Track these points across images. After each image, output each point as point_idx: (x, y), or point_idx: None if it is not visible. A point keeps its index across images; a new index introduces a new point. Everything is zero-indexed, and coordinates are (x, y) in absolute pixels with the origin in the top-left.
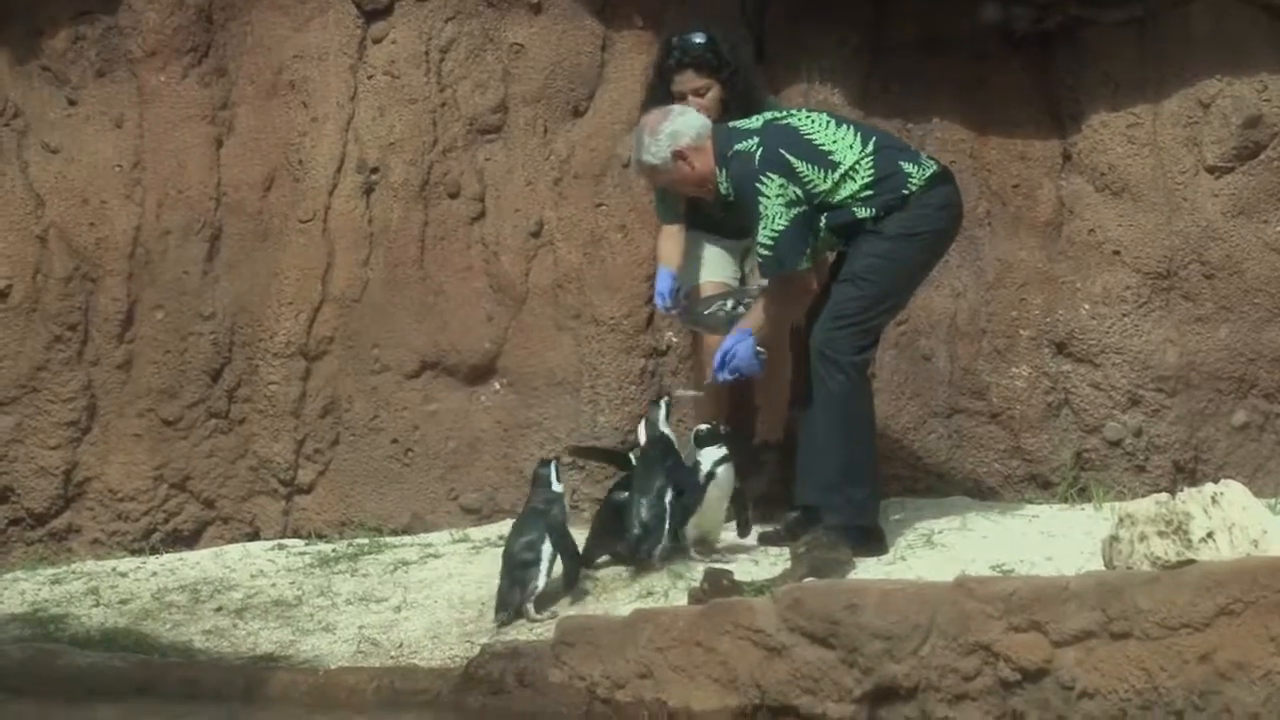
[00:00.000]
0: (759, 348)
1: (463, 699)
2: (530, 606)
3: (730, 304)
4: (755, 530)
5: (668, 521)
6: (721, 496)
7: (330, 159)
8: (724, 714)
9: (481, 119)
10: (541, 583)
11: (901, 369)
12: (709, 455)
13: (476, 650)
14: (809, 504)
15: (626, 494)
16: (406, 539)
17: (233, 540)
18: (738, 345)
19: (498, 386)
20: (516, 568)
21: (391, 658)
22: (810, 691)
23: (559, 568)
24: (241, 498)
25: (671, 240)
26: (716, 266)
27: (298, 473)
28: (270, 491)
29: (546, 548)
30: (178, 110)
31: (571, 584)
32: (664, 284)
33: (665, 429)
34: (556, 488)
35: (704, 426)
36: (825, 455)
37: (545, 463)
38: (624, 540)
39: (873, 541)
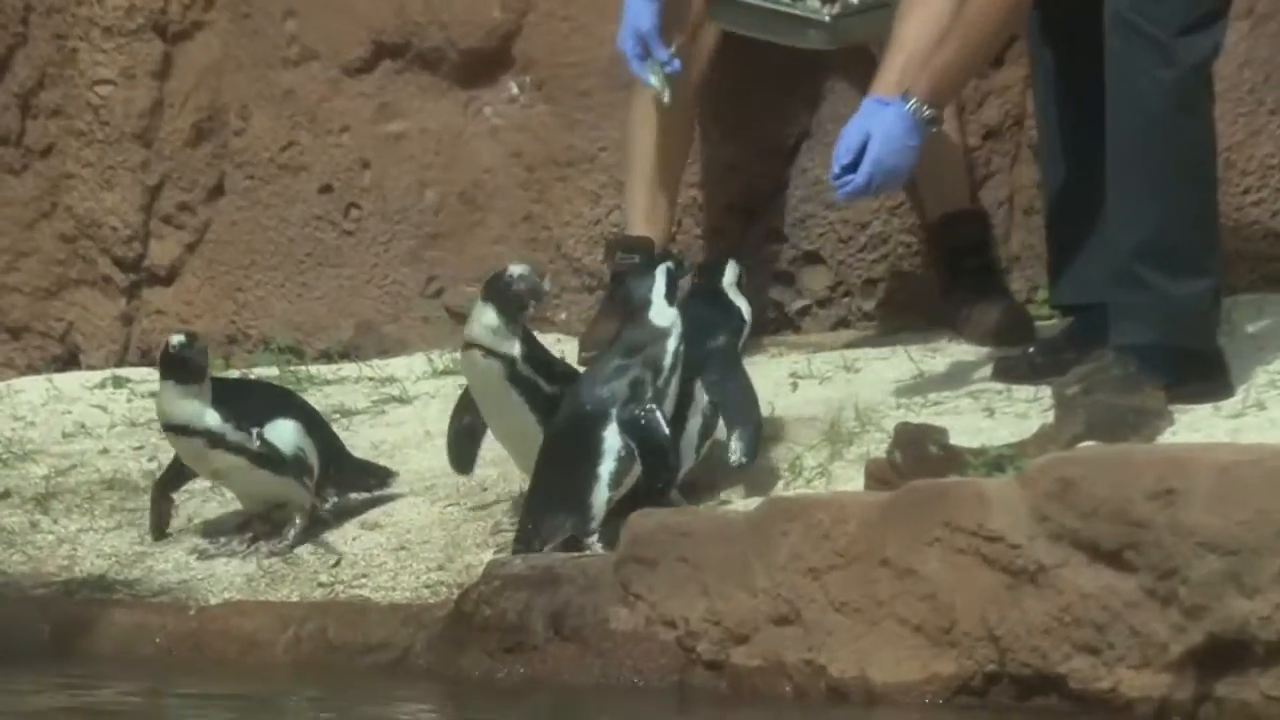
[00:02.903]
0: (931, 112)
1: (450, 658)
2: (594, 539)
3: None
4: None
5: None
6: None
7: None
8: (930, 687)
9: None
10: (604, 499)
11: (1259, 58)
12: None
13: (477, 573)
14: (1085, 304)
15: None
16: (347, 368)
17: (30, 369)
18: (882, 122)
19: (515, 89)
20: (560, 466)
21: (321, 585)
22: (1090, 649)
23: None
24: (48, 292)
25: None
26: None
27: (149, 245)
28: (98, 281)
29: (613, 441)
30: None
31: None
32: (636, 16)
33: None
34: (660, 320)
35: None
36: (1119, 217)
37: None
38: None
39: (1206, 374)
